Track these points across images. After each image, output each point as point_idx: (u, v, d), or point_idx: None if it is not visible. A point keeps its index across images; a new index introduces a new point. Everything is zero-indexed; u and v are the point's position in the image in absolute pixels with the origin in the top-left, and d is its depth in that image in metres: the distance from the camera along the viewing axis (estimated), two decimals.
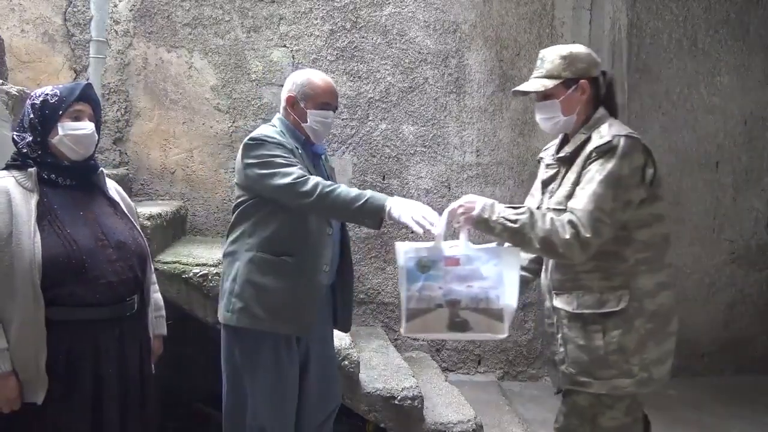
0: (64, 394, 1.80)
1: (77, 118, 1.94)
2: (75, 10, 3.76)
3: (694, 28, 4.50)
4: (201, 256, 3.05)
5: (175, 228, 3.55)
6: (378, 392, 3.02)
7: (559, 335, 2.02)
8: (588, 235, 1.79)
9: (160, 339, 2.23)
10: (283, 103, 2.37)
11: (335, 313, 2.49)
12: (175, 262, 2.96)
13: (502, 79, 4.24)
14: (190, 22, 3.89)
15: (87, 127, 1.95)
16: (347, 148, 4.07)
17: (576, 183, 1.91)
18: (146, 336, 2.07)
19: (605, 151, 1.87)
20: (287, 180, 2.10)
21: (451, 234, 2.01)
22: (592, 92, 2.01)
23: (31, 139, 1.90)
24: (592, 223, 1.80)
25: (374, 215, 2.11)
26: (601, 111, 2.01)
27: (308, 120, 2.30)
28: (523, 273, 2.11)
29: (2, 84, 2.78)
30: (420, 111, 4.16)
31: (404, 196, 4.12)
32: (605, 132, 1.91)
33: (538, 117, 2.07)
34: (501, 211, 1.91)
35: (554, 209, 1.92)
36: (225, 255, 2.31)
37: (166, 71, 3.88)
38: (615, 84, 2.10)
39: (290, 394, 2.30)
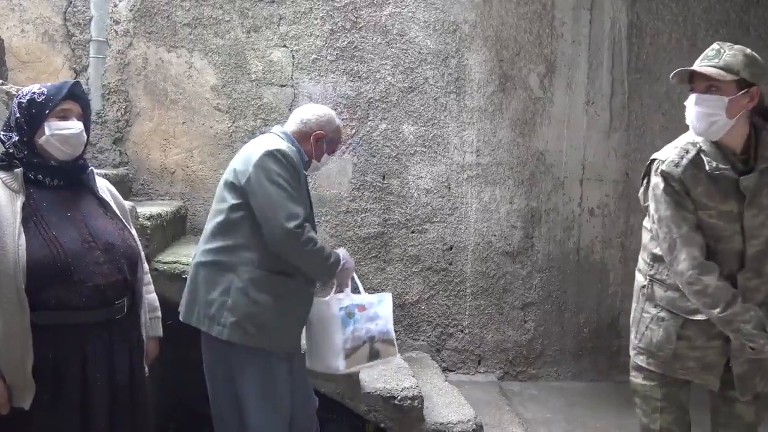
0: (51, 399, 1.77)
1: (65, 117, 1.88)
2: (75, 10, 3.76)
3: (694, 28, 4.50)
4: None
5: (175, 228, 3.55)
6: (378, 392, 3.02)
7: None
8: None
9: (156, 341, 2.19)
10: (303, 129, 2.37)
11: None
12: (175, 262, 2.96)
13: (502, 79, 4.24)
14: (190, 22, 3.89)
15: (75, 126, 1.89)
16: (347, 148, 4.07)
17: None
18: (137, 339, 2.02)
19: None
20: (291, 224, 2.10)
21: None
22: (757, 104, 1.85)
23: (17, 138, 1.86)
24: None
25: (332, 271, 2.35)
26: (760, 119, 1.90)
27: (321, 160, 2.43)
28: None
29: (2, 84, 2.78)
30: (420, 111, 4.16)
31: (404, 196, 4.17)
32: None
33: (694, 110, 1.87)
34: None
35: None
36: (213, 263, 2.21)
37: (166, 71, 3.88)
38: (765, 98, 1.91)
39: (284, 408, 2.28)
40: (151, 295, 2.18)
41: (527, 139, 4.30)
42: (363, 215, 4.11)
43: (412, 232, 4.19)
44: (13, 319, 1.72)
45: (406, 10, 4.12)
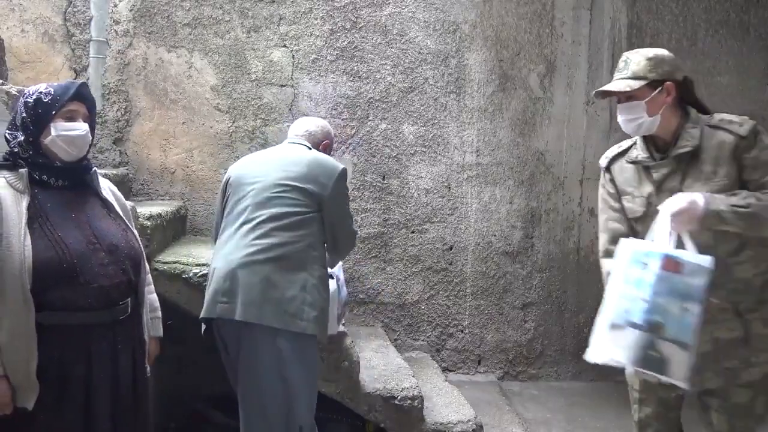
0: (55, 399, 1.77)
1: (71, 118, 1.88)
2: (75, 10, 3.76)
3: (694, 27, 4.50)
4: (201, 256, 3.05)
5: (175, 228, 3.55)
6: (378, 392, 3.02)
7: (705, 335, 1.90)
8: None
9: (157, 340, 2.19)
10: (314, 140, 2.62)
11: None
12: (175, 262, 2.96)
13: (502, 79, 4.24)
14: (190, 22, 3.89)
15: (81, 127, 1.89)
16: (347, 148, 4.07)
17: (716, 174, 1.93)
18: (140, 339, 2.03)
19: (753, 135, 1.93)
20: (354, 228, 2.56)
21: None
22: (677, 95, 2.05)
23: (23, 138, 1.85)
24: None
25: None
26: (693, 110, 2.07)
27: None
28: None
29: (2, 84, 2.78)
30: (420, 111, 4.16)
31: (404, 196, 4.17)
32: (735, 119, 1.99)
33: (621, 118, 2.08)
34: (726, 200, 1.86)
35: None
36: (284, 257, 2.27)
37: (166, 71, 3.88)
38: (695, 86, 2.13)
39: None
40: (152, 296, 2.19)
41: (527, 139, 4.30)
42: (363, 215, 4.11)
43: (412, 232, 4.19)
44: (19, 319, 1.72)
45: (406, 10, 4.12)
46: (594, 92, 2.15)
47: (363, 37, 4.08)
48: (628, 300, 1.53)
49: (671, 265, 1.52)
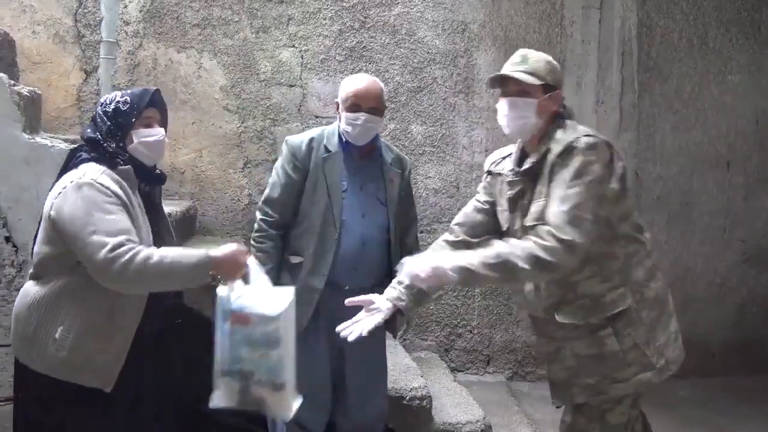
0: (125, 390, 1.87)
1: (149, 125, 1.95)
2: (85, 11, 3.78)
3: (705, 26, 4.47)
4: None
5: (185, 228, 3.56)
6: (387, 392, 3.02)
7: (566, 350, 1.96)
8: (569, 237, 1.72)
9: None
10: None
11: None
12: None
13: None
14: (200, 22, 3.91)
15: (159, 133, 1.98)
16: None
17: (542, 193, 1.86)
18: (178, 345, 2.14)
19: (567, 152, 1.82)
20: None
21: None
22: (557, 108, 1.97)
23: (114, 145, 1.91)
24: (570, 222, 1.73)
25: None
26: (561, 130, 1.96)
27: (342, 122, 2.44)
28: None
29: (14, 85, 2.79)
30: (428, 111, 4.15)
31: (413, 196, 4.14)
32: (561, 137, 1.88)
33: (507, 113, 1.97)
34: (473, 257, 1.79)
35: (531, 226, 1.85)
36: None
37: (175, 72, 3.90)
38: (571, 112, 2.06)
39: (319, 379, 2.38)
40: None
41: None
42: None
43: (421, 232, 4.18)
44: (139, 305, 1.87)
45: (414, 9, 4.11)
46: (489, 77, 2.04)
47: (372, 37, 4.08)
48: (221, 349, 1.60)
49: (240, 319, 1.58)
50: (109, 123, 1.91)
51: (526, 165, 1.94)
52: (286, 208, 2.44)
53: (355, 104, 2.38)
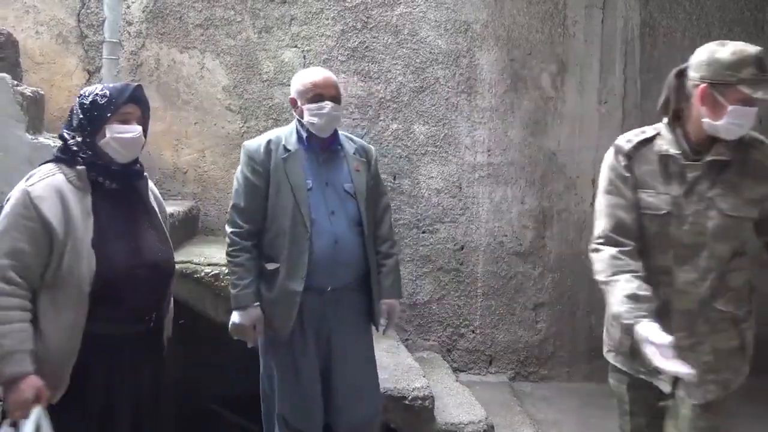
0: (74, 400, 1.78)
1: (125, 121, 1.90)
2: (88, 11, 3.79)
3: (708, 26, 4.45)
4: (213, 256, 3.07)
5: (187, 228, 3.57)
6: (389, 392, 3.02)
7: (705, 345, 1.94)
8: None
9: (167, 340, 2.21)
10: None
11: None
12: (186, 262, 2.98)
13: (514, 79, 4.23)
14: (202, 23, 3.91)
15: (135, 130, 1.91)
16: None
17: (753, 190, 1.91)
18: (162, 348, 2.05)
19: None
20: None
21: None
22: None
23: (80, 139, 1.87)
24: None
25: None
26: None
27: (305, 116, 2.39)
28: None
29: (17, 85, 2.80)
30: (431, 111, 4.15)
31: (415, 196, 4.16)
32: (763, 139, 2.02)
33: (741, 123, 1.92)
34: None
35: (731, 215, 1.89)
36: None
37: (178, 72, 3.91)
38: None
39: (310, 390, 2.36)
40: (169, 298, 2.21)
41: (539, 138, 4.28)
42: None
43: (423, 232, 4.19)
44: (74, 319, 1.75)
45: (417, 9, 4.11)
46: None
47: (374, 37, 4.08)
48: None
49: None
50: (81, 116, 1.86)
51: (719, 156, 1.92)
52: (254, 215, 2.37)
53: (317, 95, 2.35)
